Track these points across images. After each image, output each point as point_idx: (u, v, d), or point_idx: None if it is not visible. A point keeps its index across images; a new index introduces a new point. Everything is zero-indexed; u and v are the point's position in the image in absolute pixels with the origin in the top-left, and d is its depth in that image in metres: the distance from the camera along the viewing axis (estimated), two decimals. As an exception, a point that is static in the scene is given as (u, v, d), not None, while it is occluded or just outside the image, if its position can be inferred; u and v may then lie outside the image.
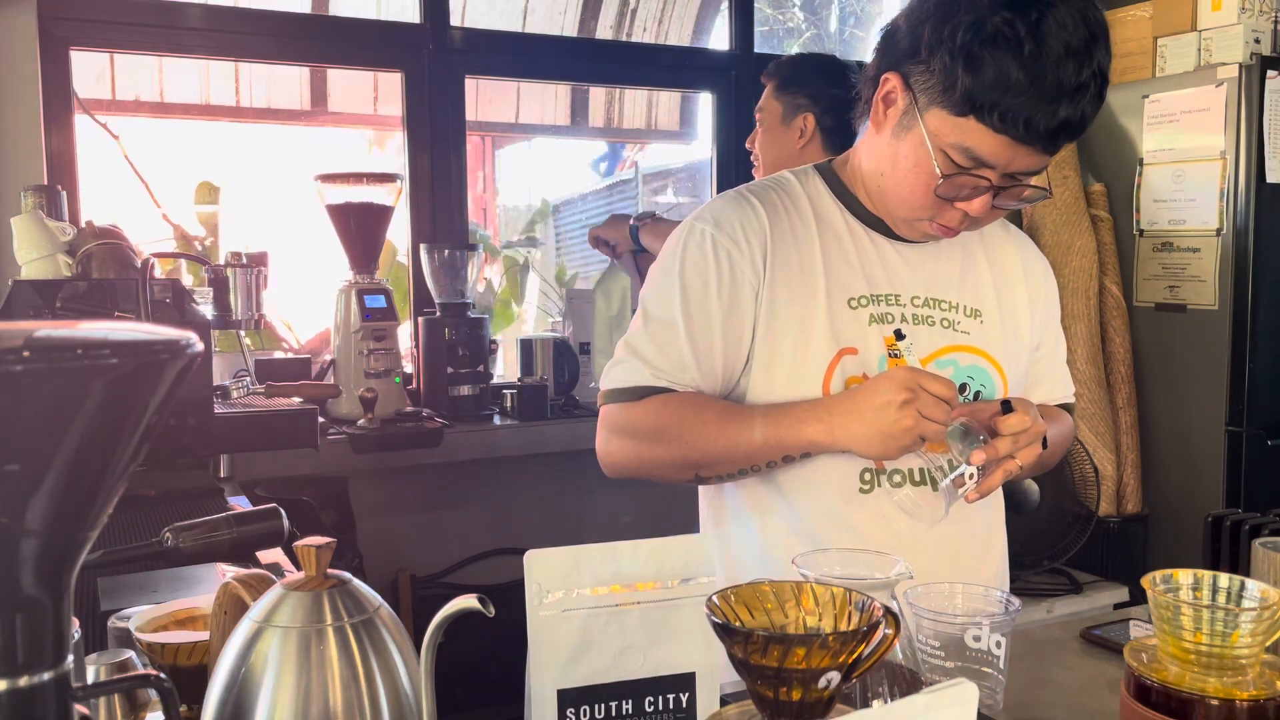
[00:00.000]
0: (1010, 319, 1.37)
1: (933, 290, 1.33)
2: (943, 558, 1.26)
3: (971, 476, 1.17)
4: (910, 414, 1.13)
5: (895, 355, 1.26)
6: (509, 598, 0.92)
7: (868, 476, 1.27)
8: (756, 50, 3.42)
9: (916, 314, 1.30)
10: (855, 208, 1.34)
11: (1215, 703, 0.80)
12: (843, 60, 2.33)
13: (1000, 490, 1.37)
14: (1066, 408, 1.48)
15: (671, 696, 0.83)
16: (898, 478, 1.28)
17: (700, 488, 1.41)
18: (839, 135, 2.18)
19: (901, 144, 1.22)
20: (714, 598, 0.67)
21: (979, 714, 0.73)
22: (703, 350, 1.27)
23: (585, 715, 0.81)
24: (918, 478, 1.28)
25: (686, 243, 1.30)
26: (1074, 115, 1.12)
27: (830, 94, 2.19)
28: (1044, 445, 1.22)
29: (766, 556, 1.31)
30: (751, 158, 2.34)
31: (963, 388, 1.31)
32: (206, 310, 2.32)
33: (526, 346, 3.03)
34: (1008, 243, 1.43)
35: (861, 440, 1.16)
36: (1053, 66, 1.10)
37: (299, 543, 0.80)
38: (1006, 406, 1.20)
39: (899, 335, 1.27)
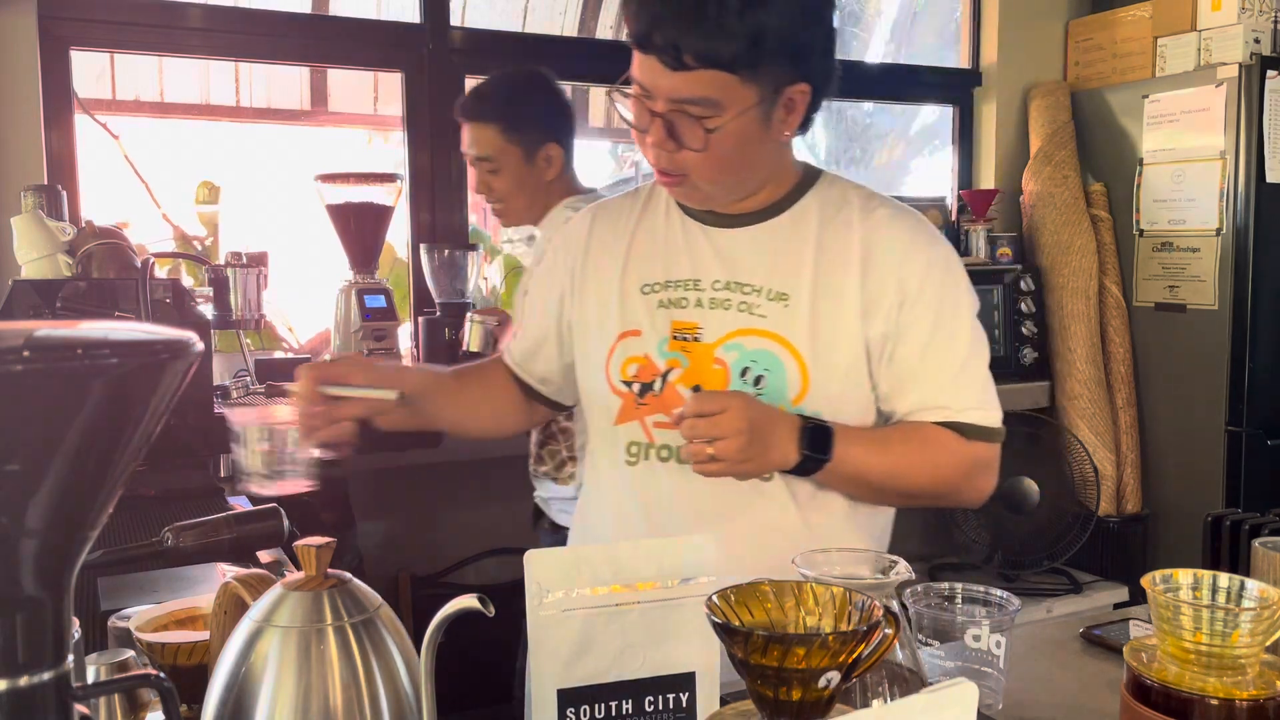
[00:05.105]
0: (829, 303, 1.29)
1: (737, 275, 1.32)
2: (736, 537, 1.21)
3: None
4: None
5: (679, 338, 1.32)
6: (509, 598, 0.92)
7: (635, 450, 1.35)
8: (756, 50, 3.42)
9: (714, 298, 1.32)
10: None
11: (1215, 702, 0.79)
12: (540, 73, 2.20)
13: (795, 483, 1.30)
14: (973, 431, 1.29)
15: (671, 696, 0.83)
16: (665, 453, 1.33)
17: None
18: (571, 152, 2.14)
19: None
20: (714, 597, 0.67)
21: (979, 714, 0.73)
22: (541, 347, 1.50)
23: (585, 715, 0.81)
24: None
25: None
26: (665, 12, 1.17)
27: (555, 119, 2.13)
28: (808, 450, 1.21)
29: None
30: (494, 209, 2.18)
31: (744, 372, 1.30)
32: (206, 310, 2.32)
33: (526, 346, 3.02)
34: (853, 227, 1.31)
35: None
36: None
37: (299, 543, 0.80)
38: (696, 391, 1.28)
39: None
